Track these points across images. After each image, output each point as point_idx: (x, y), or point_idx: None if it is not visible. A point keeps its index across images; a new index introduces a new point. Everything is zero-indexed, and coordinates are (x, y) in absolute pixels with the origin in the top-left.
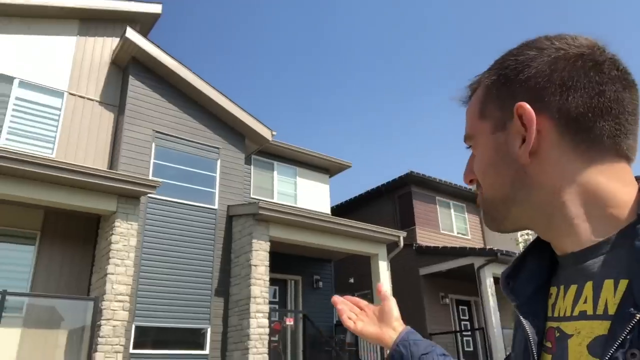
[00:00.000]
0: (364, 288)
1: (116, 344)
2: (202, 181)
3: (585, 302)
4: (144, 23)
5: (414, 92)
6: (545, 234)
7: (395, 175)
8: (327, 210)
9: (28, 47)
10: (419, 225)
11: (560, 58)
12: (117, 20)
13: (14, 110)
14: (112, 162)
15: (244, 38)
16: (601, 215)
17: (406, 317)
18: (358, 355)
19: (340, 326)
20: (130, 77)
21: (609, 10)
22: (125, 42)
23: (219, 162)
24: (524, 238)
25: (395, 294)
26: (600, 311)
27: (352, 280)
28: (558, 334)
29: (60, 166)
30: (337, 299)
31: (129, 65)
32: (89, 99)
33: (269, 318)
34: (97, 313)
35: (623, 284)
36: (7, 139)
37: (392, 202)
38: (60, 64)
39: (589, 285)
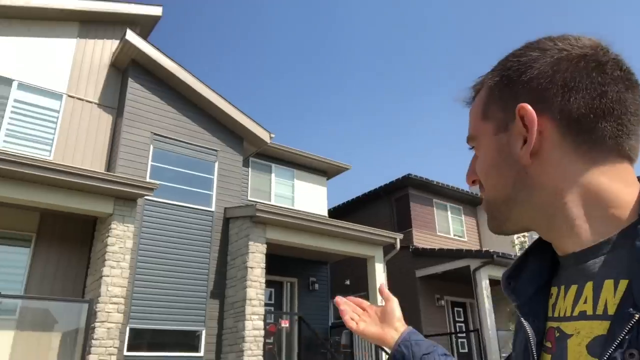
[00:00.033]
0: (360, 290)
1: (110, 346)
2: (199, 183)
3: (585, 302)
4: (144, 25)
5: (413, 93)
6: (547, 235)
7: (394, 177)
8: (325, 212)
9: (27, 49)
10: (415, 227)
11: (563, 59)
12: (117, 22)
13: (12, 112)
14: (110, 165)
15: (243, 40)
16: (603, 215)
17: None
18: (353, 356)
19: (335, 328)
20: (130, 79)
21: (609, 10)
22: (125, 45)
23: (216, 164)
24: (520, 240)
25: None
26: (600, 311)
27: (348, 282)
28: (558, 334)
29: (57, 168)
30: (339, 299)
31: (128, 68)
32: (87, 101)
33: (265, 320)
34: (92, 315)
35: (623, 284)
36: (5, 141)
37: (390, 204)
38: (60, 66)
39: (589, 286)
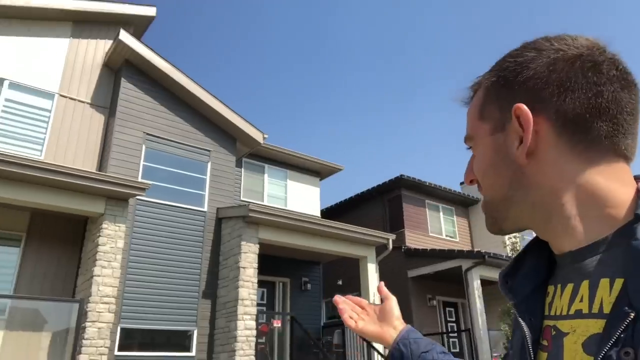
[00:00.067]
0: (353, 290)
1: (101, 346)
2: (192, 183)
3: (581, 300)
4: (138, 26)
5: (407, 94)
6: (544, 234)
7: (387, 178)
8: (317, 213)
9: (19, 48)
10: (408, 228)
11: (559, 59)
12: (111, 22)
13: (3, 111)
14: (102, 164)
15: (237, 40)
16: (599, 215)
17: None
18: (345, 356)
19: (327, 328)
20: (123, 79)
21: (609, 9)
22: (119, 45)
23: (209, 164)
24: (511, 241)
25: None
26: (595, 310)
27: (340, 283)
28: (554, 332)
29: (47, 167)
30: (338, 298)
31: (121, 68)
32: (80, 101)
33: (257, 320)
34: (82, 315)
35: (619, 282)
36: None
37: (382, 205)
38: (52, 65)
39: (585, 284)
